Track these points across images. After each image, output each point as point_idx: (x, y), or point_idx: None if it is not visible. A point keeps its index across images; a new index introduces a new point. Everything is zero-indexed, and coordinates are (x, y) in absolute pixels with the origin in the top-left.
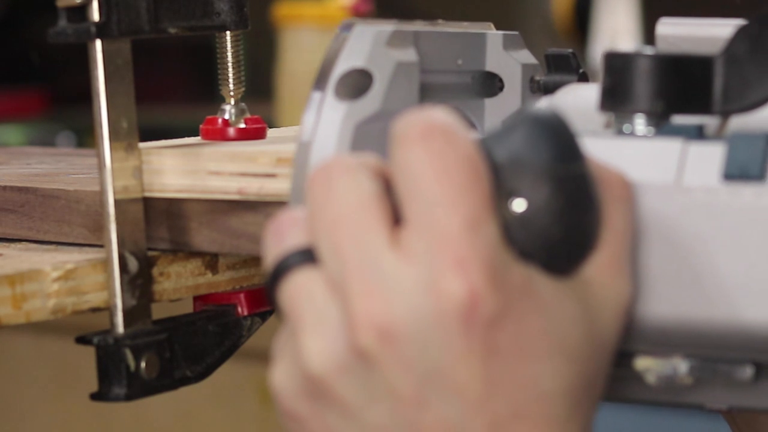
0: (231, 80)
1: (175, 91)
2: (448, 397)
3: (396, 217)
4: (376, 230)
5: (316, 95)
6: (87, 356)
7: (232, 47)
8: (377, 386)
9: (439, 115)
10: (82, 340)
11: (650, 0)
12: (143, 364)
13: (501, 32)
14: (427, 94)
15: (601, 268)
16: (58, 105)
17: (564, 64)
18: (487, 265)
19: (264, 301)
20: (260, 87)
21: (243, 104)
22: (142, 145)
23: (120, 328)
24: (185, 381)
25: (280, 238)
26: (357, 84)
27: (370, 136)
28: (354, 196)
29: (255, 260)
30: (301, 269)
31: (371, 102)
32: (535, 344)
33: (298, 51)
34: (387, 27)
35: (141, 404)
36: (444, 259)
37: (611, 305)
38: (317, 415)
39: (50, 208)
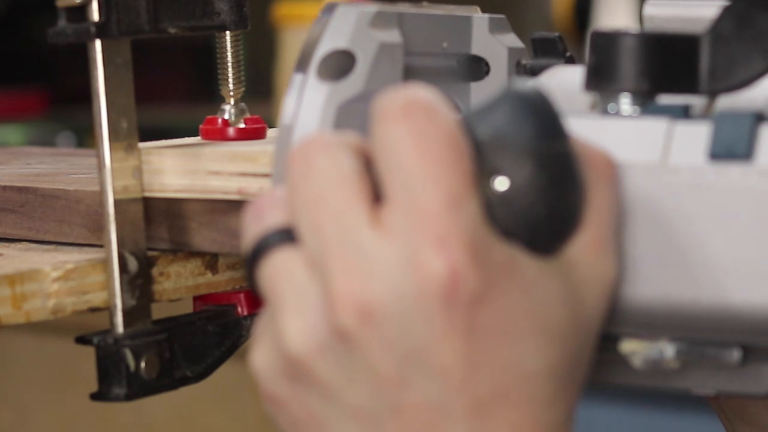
0: (231, 80)
1: (175, 91)
2: (430, 377)
3: (377, 195)
4: (355, 207)
5: (298, 77)
6: (87, 356)
7: (232, 47)
8: (358, 366)
9: (420, 92)
10: (82, 340)
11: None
12: (143, 364)
13: (487, 15)
14: (411, 76)
15: (585, 247)
16: (58, 105)
17: (551, 49)
18: (469, 242)
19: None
20: (260, 87)
21: (243, 104)
22: (141, 145)
23: (120, 328)
24: (185, 381)
25: (259, 219)
26: (339, 65)
27: (352, 118)
28: (333, 174)
29: None
30: (280, 248)
31: (354, 83)
32: (518, 323)
33: (298, 51)
34: (370, 8)
35: (141, 404)
36: (424, 237)
37: (596, 285)
38: (298, 397)
39: (50, 208)
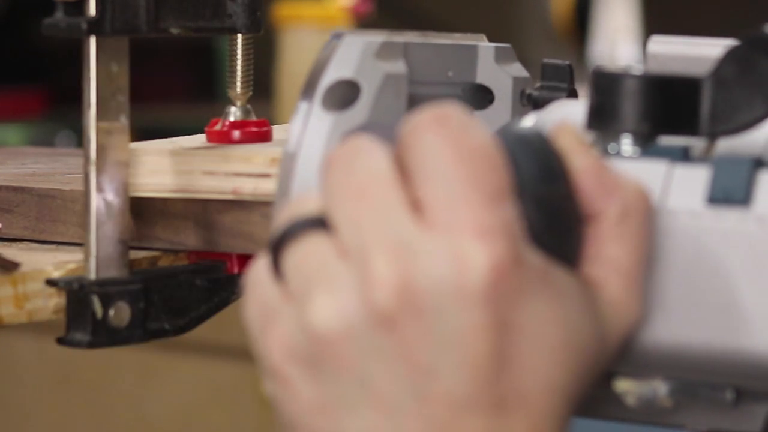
0: (239, 83)
1: (175, 91)
2: (459, 368)
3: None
4: (398, 203)
5: (304, 105)
6: (88, 357)
7: (243, 51)
8: (389, 350)
9: (452, 107)
10: (51, 282)
11: (650, 0)
12: (112, 312)
13: (493, 44)
14: (416, 105)
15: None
16: (58, 105)
17: (559, 76)
18: (512, 239)
19: None
20: (260, 87)
21: (248, 106)
22: (137, 144)
23: (93, 275)
24: (161, 334)
25: (291, 206)
26: (344, 95)
27: None
28: (377, 171)
29: None
30: (312, 234)
31: (358, 114)
32: (548, 330)
33: (298, 51)
34: (376, 38)
35: (141, 404)
36: (468, 228)
37: (618, 316)
38: (311, 381)
39: (46, 208)
